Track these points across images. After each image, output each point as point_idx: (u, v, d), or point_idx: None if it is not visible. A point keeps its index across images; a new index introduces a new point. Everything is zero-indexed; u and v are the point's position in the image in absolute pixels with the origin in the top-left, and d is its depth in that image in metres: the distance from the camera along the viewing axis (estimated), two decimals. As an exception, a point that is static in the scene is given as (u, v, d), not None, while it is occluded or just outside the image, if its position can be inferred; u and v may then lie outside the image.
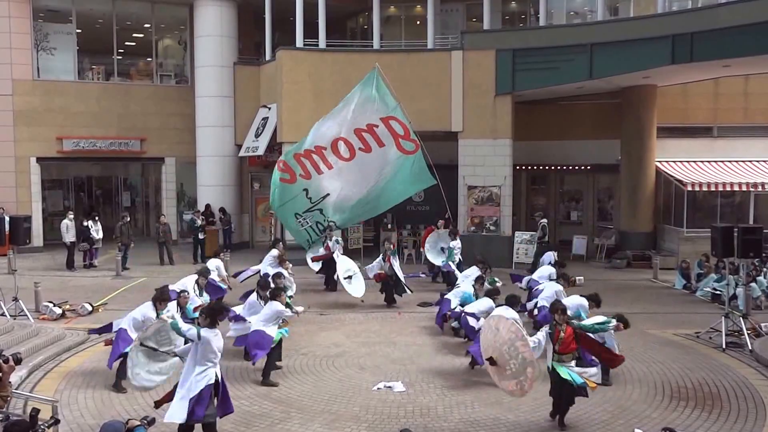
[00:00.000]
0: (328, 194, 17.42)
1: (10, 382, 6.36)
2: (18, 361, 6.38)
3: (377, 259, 16.22)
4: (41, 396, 9.22)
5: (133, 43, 26.29)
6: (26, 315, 13.82)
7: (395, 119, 17.11)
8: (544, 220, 21.25)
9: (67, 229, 20.41)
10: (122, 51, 25.75)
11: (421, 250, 19.52)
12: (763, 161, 22.45)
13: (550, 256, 16.45)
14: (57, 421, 6.80)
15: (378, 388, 10.31)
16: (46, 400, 8.69)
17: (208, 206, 23.56)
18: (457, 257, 17.35)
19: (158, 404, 8.18)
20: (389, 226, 22.95)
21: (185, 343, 8.27)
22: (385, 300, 15.98)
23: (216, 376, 7.85)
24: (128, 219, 21.20)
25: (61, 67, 24.33)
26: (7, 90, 23.03)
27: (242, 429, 8.75)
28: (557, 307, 9.08)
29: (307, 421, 9.06)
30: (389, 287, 15.90)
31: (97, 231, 20.88)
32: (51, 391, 10.00)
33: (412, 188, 17.98)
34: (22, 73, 23.27)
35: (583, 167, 24.37)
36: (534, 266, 17.81)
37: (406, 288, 15.85)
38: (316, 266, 17.53)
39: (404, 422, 8.88)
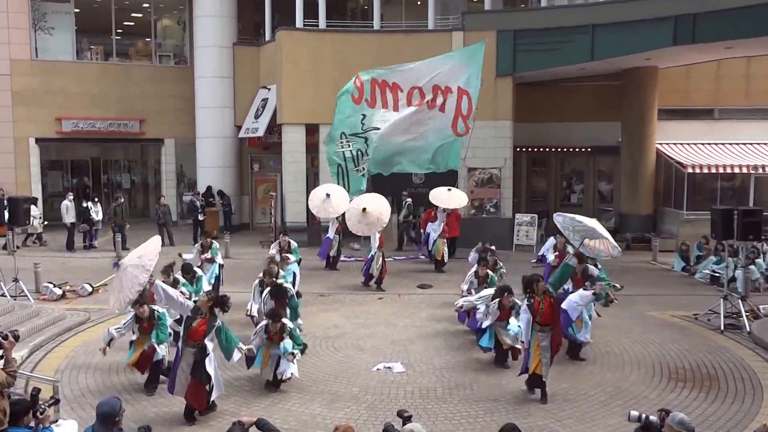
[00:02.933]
0: (378, 128, 17.26)
1: (14, 358, 6.40)
2: (16, 337, 6.42)
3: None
4: (42, 376, 9.27)
5: (132, 23, 26.09)
6: (26, 296, 13.88)
7: (469, 98, 17.10)
8: (409, 199, 20.97)
9: (67, 210, 20.41)
10: (121, 31, 25.58)
11: (421, 231, 19.44)
12: (764, 144, 22.37)
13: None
14: (57, 401, 6.87)
15: (377, 369, 10.35)
16: (47, 380, 8.76)
17: (209, 188, 23.50)
18: None
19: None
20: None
21: None
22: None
23: None
24: (122, 200, 21.07)
25: (60, 47, 24.15)
26: (5, 70, 22.88)
27: (242, 409, 8.78)
28: (533, 279, 9.29)
29: (307, 402, 9.11)
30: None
31: (96, 212, 20.91)
32: (52, 371, 10.07)
33: (440, 165, 17.98)
34: (19, 53, 23.10)
35: (583, 149, 24.29)
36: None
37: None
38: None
39: (403, 403, 8.92)
